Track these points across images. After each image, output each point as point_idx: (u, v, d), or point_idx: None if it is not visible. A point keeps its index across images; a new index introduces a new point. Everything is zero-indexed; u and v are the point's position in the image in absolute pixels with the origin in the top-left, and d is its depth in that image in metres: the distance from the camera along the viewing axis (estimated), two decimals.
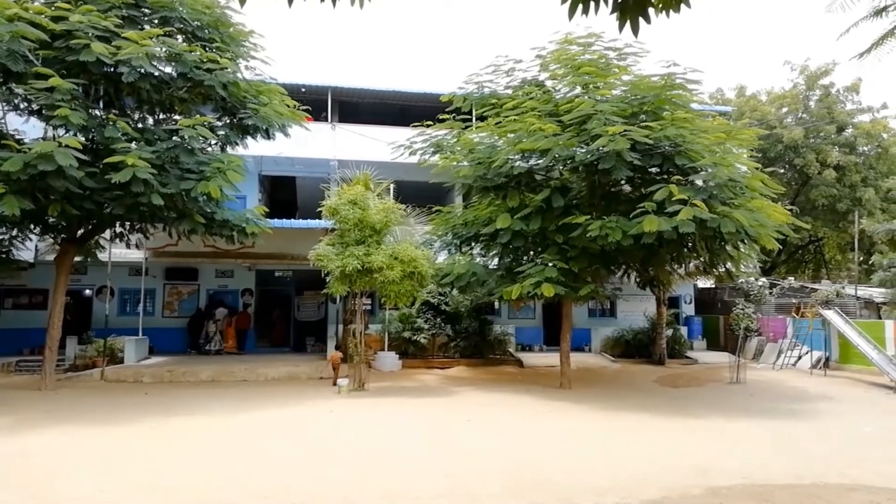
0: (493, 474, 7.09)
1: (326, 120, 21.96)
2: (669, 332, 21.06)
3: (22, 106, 13.42)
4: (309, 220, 17.96)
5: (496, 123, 14.27)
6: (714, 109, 24.20)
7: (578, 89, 14.07)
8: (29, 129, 14.60)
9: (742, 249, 13.97)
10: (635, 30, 3.85)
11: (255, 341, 21.21)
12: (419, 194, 19.31)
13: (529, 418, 10.94)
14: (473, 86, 15.82)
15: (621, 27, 3.86)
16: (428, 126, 15.90)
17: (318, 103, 21.20)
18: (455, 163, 15.04)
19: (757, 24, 70.71)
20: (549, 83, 15.17)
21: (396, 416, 10.97)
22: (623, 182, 14.13)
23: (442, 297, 19.61)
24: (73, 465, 7.44)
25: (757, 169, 13.43)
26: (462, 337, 19.57)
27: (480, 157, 14.24)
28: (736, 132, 13.79)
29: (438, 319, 19.55)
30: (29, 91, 11.85)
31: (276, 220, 16.63)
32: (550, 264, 13.02)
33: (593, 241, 12.28)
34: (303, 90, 20.93)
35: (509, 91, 15.48)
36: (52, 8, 12.34)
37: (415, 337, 18.94)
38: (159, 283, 20.89)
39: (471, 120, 16.08)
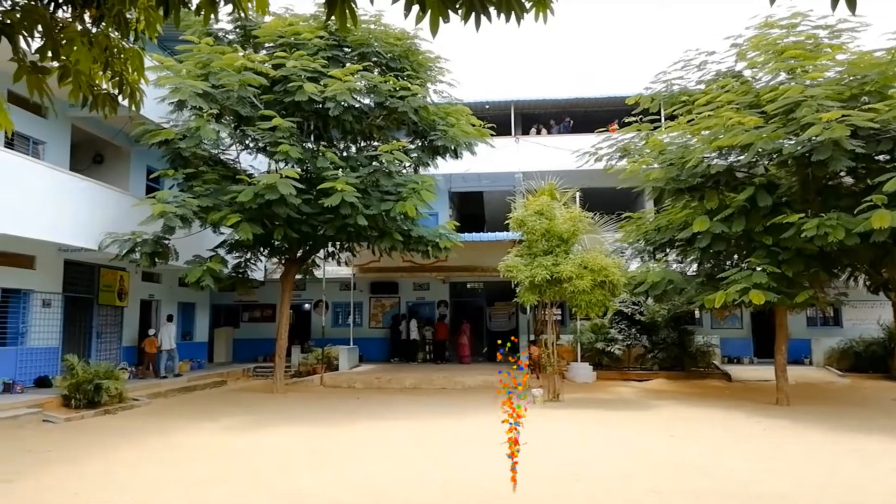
0: (702, 494, 6.66)
1: (510, 133, 22.38)
2: None
3: (251, 145, 15.52)
4: (497, 233, 18.42)
5: (688, 121, 13.53)
6: None
7: (783, 76, 12.83)
8: (257, 163, 16.87)
9: None
10: (852, 4, 3.44)
11: (452, 351, 22.12)
12: (606, 201, 18.86)
13: (741, 436, 10.08)
14: (661, 85, 15.14)
15: (835, 4, 3.47)
16: (613, 130, 15.51)
17: (501, 118, 21.72)
18: (644, 166, 14.49)
19: None
20: (746, 73, 14.04)
21: (594, 429, 10.77)
22: (843, 174, 12.55)
23: (636, 307, 18.90)
24: (296, 462, 8.36)
25: None
26: (660, 348, 18.67)
27: (672, 158, 13.57)
28: None
29: (633, 330, 18.85)
30: (256, 132, 13.72)
31: (466, 234, 17.29)
32: (759, 268, 11.97)
33: (810, 241, 11.07)
34: (486, 107, 21.61)
35: (701, 86, 14.56)
36: (272, 56, 14.21)
37: (608, 348, 18.45)
38: (365, 297, 22.79)
39: (659, 121, 15.38)
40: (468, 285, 23.12)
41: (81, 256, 14.42)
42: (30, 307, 13.56)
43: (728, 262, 14.19)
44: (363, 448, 9.22)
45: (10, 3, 3.76)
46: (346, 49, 15.32)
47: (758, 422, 11.27)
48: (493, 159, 20.17)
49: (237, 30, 15.78)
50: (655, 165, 14.14)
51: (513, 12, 3.65)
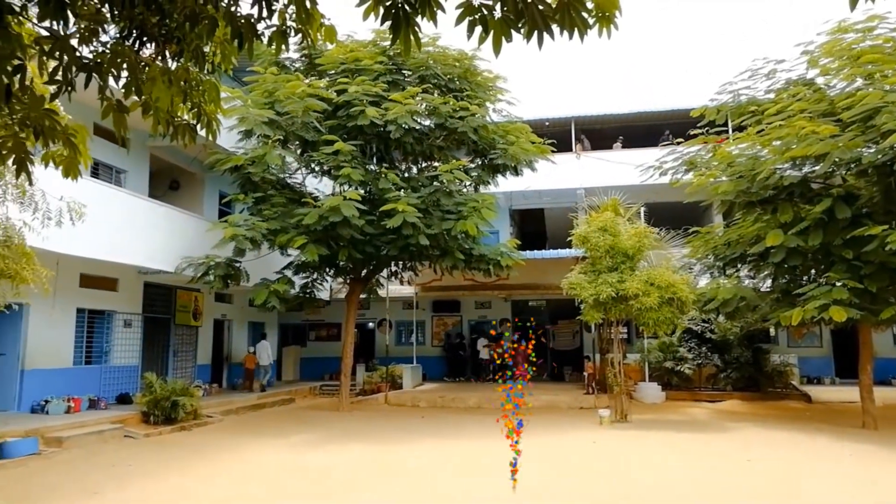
0: None
1: (571, 149, 22.18)
2: None
3: (316, 168, 15.97)
4: (559, 250, 18.20)
5: (758, 132, 13.05)
6: None
7: (859, 81, 12.24)
8: (322, 186, 17.34)
9: None
10: None
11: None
12: (673, 216, 18.39)
13: (824, 461, 9.52)
14: (727, 95, 14.68)
15: None
16: (678, 143, 15.15)
17: (562, 134, 21.57)
18: (712, 179, 14.05)
19: None
20: (819, 80, 13.47)
21: (664, 451, 10.41)
22: None
23: (706, 325, 18.26)
24: (366, 478, 8.45)
25: None
26: (733, 368, 17.90)
27: (741, 170, 13.12)
28: None
29: (704, 348, 18.19)
30: (320, 156, 14.13)
31: (527, 251, 17.17)
32: (839, 284, 11.36)
33: (894, 254, 10.43)
34: (546, 123, 21.52)
35: (771, 95, 14.05)
36: (335, 83, 14.64)
37: (678, 367, 17.86)
38: (427, 316, 22.92)
39: (726, 133, 14.92)
40: (530, 303, 22.91)
41: (159, 278, 15.14)
42: (113, 327, 14.31)
43: (805, 278, 13.56)
44: (430, 465, 9.22)
45: (98, 43, 4.03)
46: (406, 72, 15.63)
47: (843, 446, 10.63)
48: (553, 176, 19.99)
49: (302, 58, 16.36)
50: (724, 178, 13.68)
51: (576, 29, 3.63)
